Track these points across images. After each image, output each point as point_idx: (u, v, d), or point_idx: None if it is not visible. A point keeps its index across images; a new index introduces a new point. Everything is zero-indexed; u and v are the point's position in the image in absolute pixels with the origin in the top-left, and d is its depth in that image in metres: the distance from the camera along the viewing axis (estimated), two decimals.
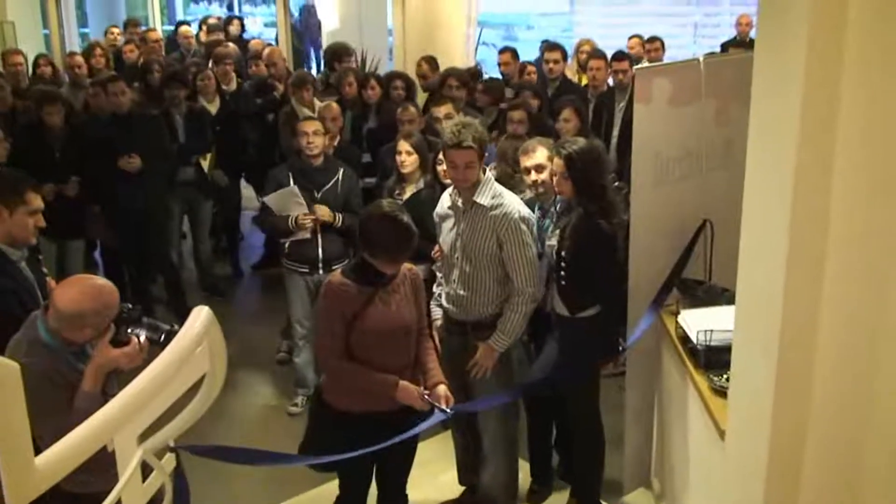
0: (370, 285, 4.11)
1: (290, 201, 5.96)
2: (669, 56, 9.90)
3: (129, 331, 3.43)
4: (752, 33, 9.71)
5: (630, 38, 10.04)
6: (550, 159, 4.84)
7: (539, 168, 4.93)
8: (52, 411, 3.17)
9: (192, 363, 2.11)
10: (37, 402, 3.06)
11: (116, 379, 3.54)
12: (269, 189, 6.13)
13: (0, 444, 1.54)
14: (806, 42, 2.56)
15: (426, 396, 4.15)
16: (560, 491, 5.26)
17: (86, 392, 3.30)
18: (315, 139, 6.01)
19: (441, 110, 6.59)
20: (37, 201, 4.16)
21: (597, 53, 8.59)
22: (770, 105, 2.87)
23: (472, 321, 4.73)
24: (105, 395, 3.41)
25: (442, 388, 4.23)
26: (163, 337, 3.43)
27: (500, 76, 9.08)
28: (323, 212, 5.95)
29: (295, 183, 6.00)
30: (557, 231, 4.71)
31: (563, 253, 4.63)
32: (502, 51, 9.43)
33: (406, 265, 4.25)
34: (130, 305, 3.50)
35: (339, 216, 5.99)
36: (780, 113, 2.74)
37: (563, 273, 4.66)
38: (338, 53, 9.38)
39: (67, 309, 3.33)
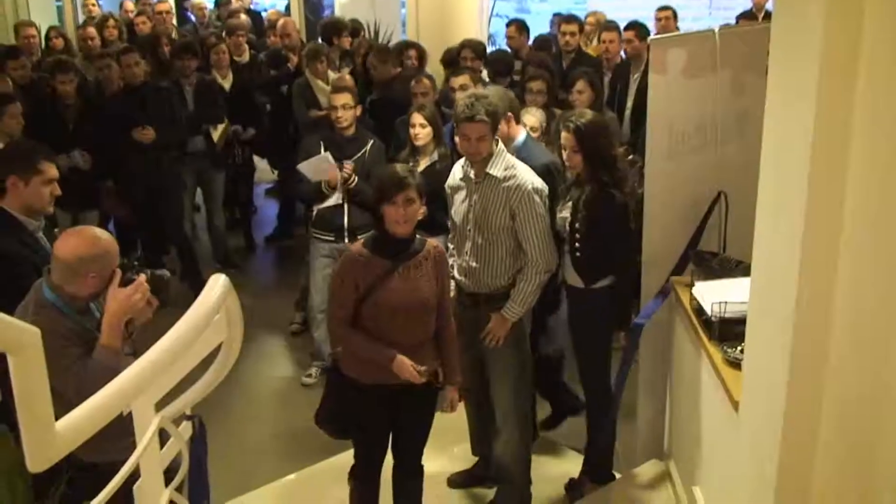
0: (389, 258, 4.12)
1: (324, 168, 6.03)
2: (684, 28, 9.79)
3: (135, 274, 3.44)
4: (768, 5, 9.60)
5: (659, 9, 9.83)
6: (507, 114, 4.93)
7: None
8: (65, 367, 3.20)
9: (209, 331, 2.12)
10: (48, 358, 3.13)
11: (131, 342, 3.55)
12: (300, 158, 6.19)
13: (21, 408, 1.55)
14: (824, 11, 2.54)
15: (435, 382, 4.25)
16: (573, 460, 5.28)
17: (104, 346, 3.30)
18: (345, 112, 6.10)
19: (458, 81, 6.55)
20: (52, 170, 4.20)
21: (609, 25, 8.53)
22: (787, 76, 2.85)
23: (485, 293, 4.73)
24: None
25: (451, 393, 4.37)
26: (165, 277, 3.51)
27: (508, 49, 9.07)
28: (348, 166, 6.01)
29: (326, 151, 6.06)
30: (570, 203, 4.71)
31: (576, 225, 4.63)
32: (510, 23, 9.37)
33: (431, 241, 4.26)
34: (130, 259, 3.55)
35: (355, 177, 6.02)
36: (798, 84, 2.72)
37: (577, 245, 4.66)
38: (337, 28, 9.32)
39: (68, 257, 3.34)
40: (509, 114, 5.05)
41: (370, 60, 8.00)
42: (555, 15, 11.31)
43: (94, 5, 11.18)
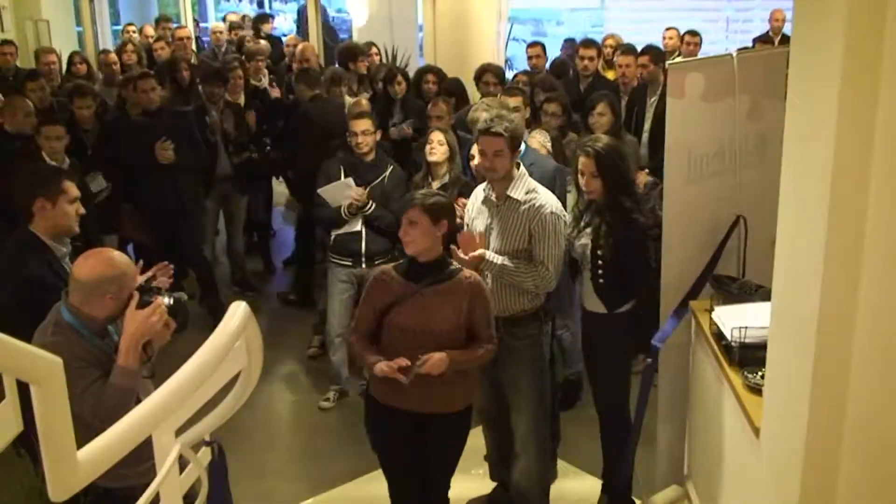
0: (414, 281, 4.16)
1: (344, 194, 6.04)
2: (701, 51, 9.85)
3: (152, 297, 3.45)
4: (786, 28, 9.63)
5: (667, 29, 9.99)
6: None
7: None
8: (82, 388, 3.22)
9: (230, 358, 2.13)
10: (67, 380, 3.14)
11: (150, 365, 3.57)
12: (320, 182, 6.21)
13: (43, 438, 1.56)
14: (843, 36, 2.54)
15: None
16: (592, 486, 5.26)
17: (121, 367, 3.31)
18: (365, 138, 6.12)
19: (511, 101, 6.50)
20: (74, 189, 4.33)
21: (626, 49, 8.55)
22: (807, 100, 2.85)
23: (505, 317, 4.70)
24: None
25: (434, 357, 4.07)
26: (183, 300, 3.55)
27: (528, 70, 9.12)
28: (360, 192, 6.03)
29: (346, 177, 6.09)
30: (588, 230, 4.70)
31: (599, 251, 4.62)
32: (531, 45, 9.44)
33: (466, 272, 4.22)
34: (147, 281, 3.58)
35: (372, 204, 6.05)
36: (818, 108, 2.72)
37: (599, 271, 4.66)
38: (352, 53, 9.38)
39: (85, 277, 3.36)
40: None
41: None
42: (566, 40, 11.38)
43: (134, 32, 11.29)
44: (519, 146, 4.66)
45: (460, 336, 4.19)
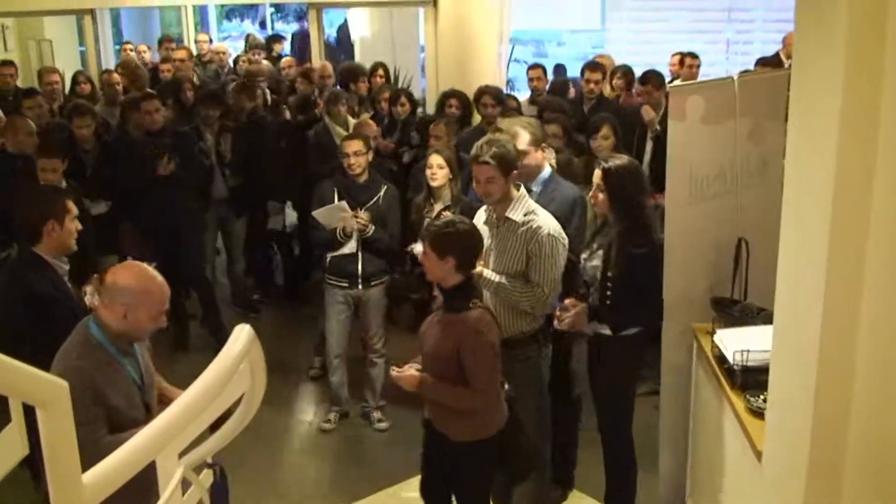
0: (442, 307, 4.27)
1: (338, 216, 6.04)
2: (702, 73, 9.89)
3: None
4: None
5: (673, 55, 10.03)
6: (533, 144, 5.04)
7: (521, 154, 4.96)
8: (92, 421, 3.24)
9: (233, 381, 2.13)
10: (85, 404, 3.16)
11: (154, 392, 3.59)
12: (313, 205, 6.20)
13: (49, 463, 1.56)
14: (844, 60, 2.56)
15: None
16: None
17: None
18: (357, 159, 6.08)
19: (505, 122, 6.49)
20: (74, 207, 4.39)
21: (592, 65, 8.83)
22: (808, 121, 2.86)
23: (506, 338, 4.69)
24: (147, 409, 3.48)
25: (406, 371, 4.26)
26: None
27: (529, 92, 9.20)
28: (363, 216, 6.03)
29: (339, 199, 6.08)
30: (599, 252, 4.70)
31: (608, 273, 4.62)
32: (532, 67, 9.49)
33: (475, 312, 4.13)
34: None
35: (372, 227, 6.05)
36: (819, 129, 2.74)
37: (608, 293, 4.64)
38: (353, 73, 9.41)
39: (110, 281, 3.42)
40: (544, 144, 5.20)
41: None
42: (557, 66, 11.49)
43: (145, 52, 11.33)
44: (512, 169, 4.64)
45: (452, 370, 4.12)
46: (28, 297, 4.15)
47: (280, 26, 18.26)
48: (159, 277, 3.52)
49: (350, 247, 6.12)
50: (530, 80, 9.26)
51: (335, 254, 6.18)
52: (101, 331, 3.42)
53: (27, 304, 4.13)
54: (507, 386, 4.35)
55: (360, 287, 6.17)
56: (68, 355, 3.38)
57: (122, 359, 3.47)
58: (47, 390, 1.53)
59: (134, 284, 3.42)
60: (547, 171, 5.22)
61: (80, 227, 4.37)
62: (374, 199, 6.17)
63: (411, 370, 4.24)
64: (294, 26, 17.03)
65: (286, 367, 7.23)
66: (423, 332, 4.34)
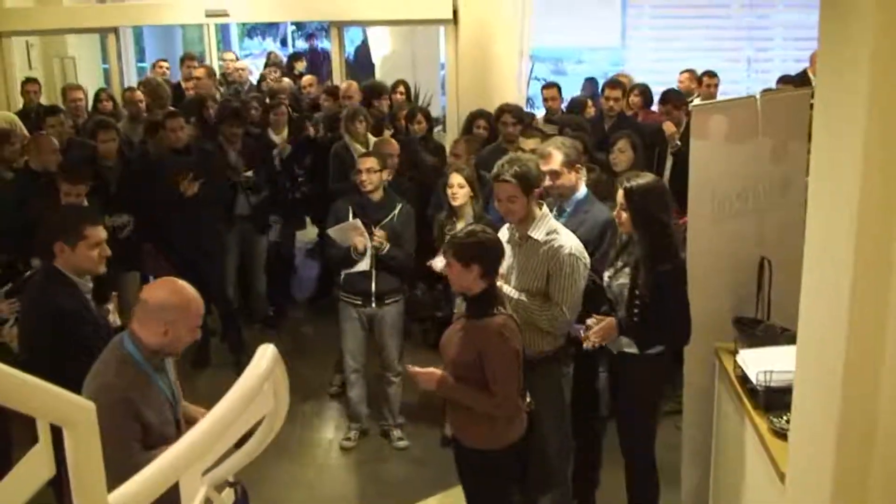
0: (465, 314, 4.31)
1: (352, 234, 6.05)
2: (722, 91, 9.88)
3: None
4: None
5: (681, 72, 10.05)
6: (566, 166, 5.03)
7: (553, 174, 4.99)
8: (125, 440, 3.26)
9: (257, 402, 2.14)
10: (122, 422, 3.17)
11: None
12: (329, 222, 6.22)
13: (75, 482, 1.56)
14: (869, 77, 2.55)
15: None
16: None
17: None
18: (370, 176, 6.08)
19: (528, 143, 6.54)
20: (96, 234, 4.29)
21: (612, 82, 8.85)
22: (832, 141, 2.85)
23: (528, 357, 4.66)
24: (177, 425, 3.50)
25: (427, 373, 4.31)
26: None
27: (544, 111, 9.23)
28: (380, 235, 6.04)
29: (355, 217, 6.09)
30: (625, 270, 4.67)
31: (636, 291, 4.59)
32: (547, 86, 9.46)
33: (498, 319, 4.15)
34: None
35: (387, 245, 6.05)
36: (843, 149, 2.72)
37: (635, 310, 4.60)
38: (375, 91, 9.44)
39: (151, 300, 3.46)
40: (578, 165, 5.16)
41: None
42: (587, 79, 11.44)
43: (167, 68, 11.42)
44: (533, 188, 4.64)
45: (475, 376, 4.16)
46: (50, 310, 4.16)
47: (301, 44, 18.36)
48: (194, 291, 3.56)
49: (364, 264, 6.12)
50: (545, 99, 9.24)
51: (349, 271, 6.19)
52: (137, 348, 3.46)
53: (49, 317, 4.15)
54: (528, 399, 4.36)
55: (373, 305, 6.17)
56: (104, 373, 3.41)
57: (155, 376, 3.51)
58: (74, 411, 1.53)
59: (174, 300, 3.47)
60: (582, 191, 5.21)
61: (107, 252, 4.30)
62: (389, 216, 6.18)
63: (431, 368, 4.31)
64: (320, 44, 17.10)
65: (306, 384, 7.23)
66: (444, 341, 4.37)
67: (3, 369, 1.45)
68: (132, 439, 3.31)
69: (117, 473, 1.73)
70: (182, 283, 3.58)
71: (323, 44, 17.01)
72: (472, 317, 4.22)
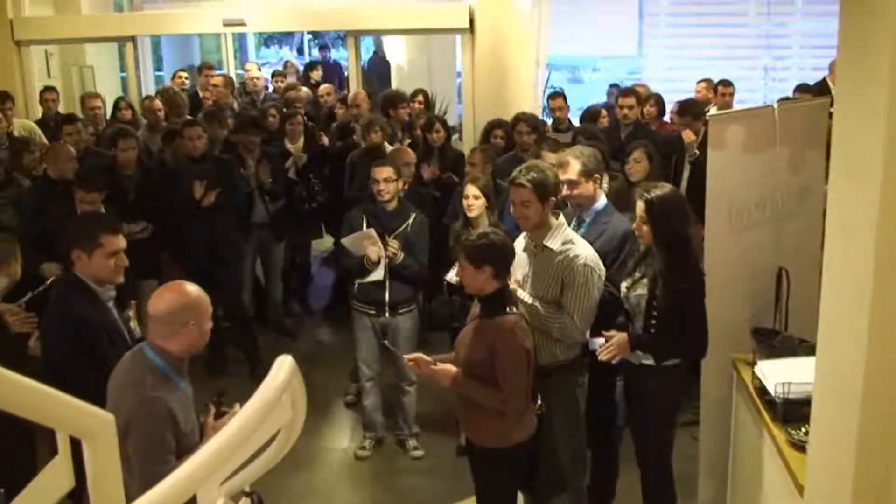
0: (479, 314, 4.36)
1: (366, 243, 6.05)
2: (738, 99, 9.84)
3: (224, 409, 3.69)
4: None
5: (699, 81, 10.01)
6: (584, 175, 5.00)
7: (571, 184, 4.98)
8: (153, 473, 3.27)
9: (275, 413, 2.14)
10: (167, 434, 3.24)
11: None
12: (343, 231, 6.21)
13: (94, 493, 1.57)
14: (888, 87, 2.54)
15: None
16: None
17: None
18: (386, 186, 6.07)
19: (550, 157, 6.47)
20: (114, 243, 4.29)
21: (625, 91, 8.82)
22: (852, 151, 2.83)
23: (542, 366, 4.65)
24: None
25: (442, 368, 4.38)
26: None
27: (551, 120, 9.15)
28: (394, 245, 6.03)
29: (368, 226, 6.08)
30: (643, 280, 4.64)
31: (654, 302, 4.57)
32: (552, 96, 9.36)
33: (511, 318, 4.25)
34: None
35: (401, 254, 6.05)
36: (863, 159, 2.71)
37: (652, 321, 4.57)
38: (393, 100, 9.45)
39: (164, 311, 3.48)
40: (596, 175, 5.11)
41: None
42: (611, 86, 11.37)
43: (186, 78, 11.48)
44: (549, 196, 4.62)
45: (486, 374, 4.23)
46: (71, 319, 4.18)
47: (317, 53, 18.40)
48: (195, 286, 3.62)
49: (378, 274, 6.11)
50: (552, 109, 9.13)
51: (363, 280, 6.18)
52: (161, 357, 3.48)
53: (70, 325, 4.16)
54: (539, 401, 4.39)
55: (387, 315, 6.16)
56: (139, 384, 3.42)
57: (181, 383, 3.55)
58: (93, 423, 1.54)
59: (187, 301, 3.52)
60: (602, 202, 5.16)
61: (124, 262, 4.31)
62: (403, 226, 6.16)
63: (448, 364, 4.38)
64: (332, 52, 17.14)
65: (321, 392, 7.23)
66: (458, 342, 4.45)
67: (23, 381, 1.45)
68: (169, 452, 3.34)
69: (152, 484, 1.74)
70: (180, 282, 3.63)
71: (337, 54, 17.08)
72: (485, 316, 4.30)
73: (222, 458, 1.95)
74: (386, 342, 5.68)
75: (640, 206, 4.55)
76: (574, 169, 5.02)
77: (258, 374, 7.52)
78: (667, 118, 9.14)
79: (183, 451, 3.36)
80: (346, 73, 13.18)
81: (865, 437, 2.80)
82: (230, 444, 1.93)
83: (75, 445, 1.55)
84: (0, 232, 6.76)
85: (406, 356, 4.59)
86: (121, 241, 4.34)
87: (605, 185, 5.62)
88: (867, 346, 2.72)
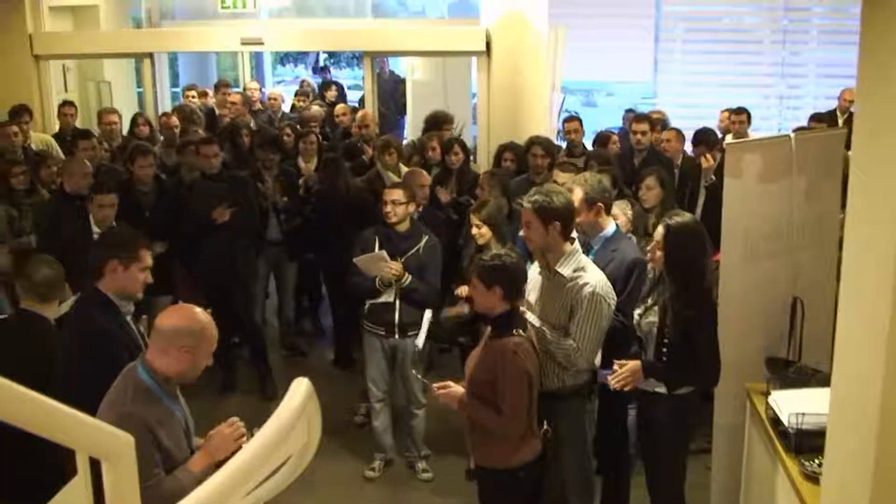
0: (490, 334, 4.38)
1: (378, 265, 6.04)
2: (753, 127, 9.83)
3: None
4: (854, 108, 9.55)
5: (723, 111, 9.99)
6: (585, 203, 4.99)
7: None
8: (158, 459, 3.31)
9: (290, 437, 2.14)
10: (144, 449, 3.19)
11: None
12: (355, 251, 6.22)
13: None
14: None
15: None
16: None
17: (190, 471, 3.42)
18: (395, 208, 6.06)
19: (562, 177, 6.47)
20: (148, 258, 4.35)
21: (639, 117, 8.83)
22: (871, 182, 2.83)
23: (548, 392, 4.59)
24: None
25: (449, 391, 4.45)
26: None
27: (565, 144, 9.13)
28: (397, 266, 6.02)
29: (380, 248, 6.08)
30: (656, 308, 4.63)
31: (665, 330, 4.56)
32: (568, 119, 9.36)
33: (515, 339, 4.23)
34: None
35: (409, 276, 6.04)
36: (882, 190, 2.71)
37: (664, 349, 4.57)
38: (438, 121, 9.46)
39: (167, 327, 3.46)
40: (600, 204, 5.07)
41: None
42: (627, 111, 11.38)
43: (194, 97, 11.54)
44: (551, 220, 4.57)
45: (489, 394, 4.25)
46: (90, 334, 4.18)
47: (333, 72, 18.49)
48: (207, 316, 3.59)
49: (388, 295, 6.11)
50: (567, 132, 9.10)
51: (374, 301, 6.18)
52: (150, 375, 3.47)
53: (91, 339, 4.16)
54: (545, 426, 4.38)
55: (396, 336, 6.15)
56: (122, 402, 3.42)
57: (170, 403, 3.53)
58: (113, 444, 1.54)
59: (193, 326, 3.49)
60: (611, 229, 5.13)
61: (149, 279, 4.34)
62: (415, 248, 6.15)
63: (457, 387, 4.42)
64: (346, 71, 17.22)
65: (331, 412, 7.15)
66: (468, 362, 4.51)
67: (43, 401, 1.45)
68: (155, 466, 3.32)
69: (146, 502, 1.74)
70: (195, 308, 3.61)
71: (341, 73, 17.15)
72: (494, 337, 4.32)
73: (240, 478, 1.95)
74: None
75: (659, 230, 4.55)
76: (577, 196, 5.02)
77: (269, 393, 7.55)
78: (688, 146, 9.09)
79: (164, 466, 3.36)
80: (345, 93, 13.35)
81: (881, 470, 2.78)
82: (245, 468, 1.93)
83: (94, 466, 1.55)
84: (23, 237, 7.03)
85: (435, 385, 4.54)
86: (150, 257, 4.39)
87: (628, 212, 5.62)
88: (883, 376, 2.71)
